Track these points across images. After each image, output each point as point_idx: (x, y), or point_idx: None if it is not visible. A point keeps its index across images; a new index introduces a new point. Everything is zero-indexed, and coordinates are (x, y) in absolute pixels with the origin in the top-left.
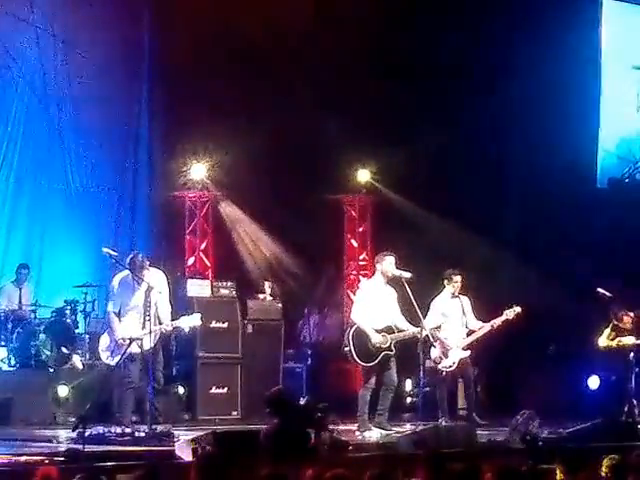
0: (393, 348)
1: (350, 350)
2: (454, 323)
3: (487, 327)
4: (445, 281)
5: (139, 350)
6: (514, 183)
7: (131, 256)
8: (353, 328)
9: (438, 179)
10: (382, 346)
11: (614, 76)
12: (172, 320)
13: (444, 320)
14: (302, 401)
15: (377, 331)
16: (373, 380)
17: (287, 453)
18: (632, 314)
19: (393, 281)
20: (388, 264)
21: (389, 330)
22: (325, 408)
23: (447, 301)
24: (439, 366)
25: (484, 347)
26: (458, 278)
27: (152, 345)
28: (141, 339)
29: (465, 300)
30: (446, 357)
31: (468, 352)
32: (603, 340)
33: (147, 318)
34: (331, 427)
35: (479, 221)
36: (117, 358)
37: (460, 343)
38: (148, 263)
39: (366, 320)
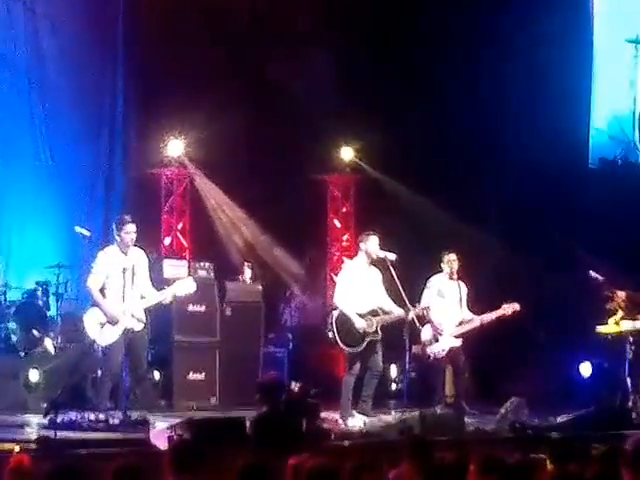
0: (379, 332)
1: (334, 335)
2: (450, 306)
3: (480, 321)
4: (442, 262)
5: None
6: (503, 163)
7: (120, 224)
8: (336, 312)
9: (423, 159)
10: (367, 330)
11: (607, 51)
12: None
13: (440, 300)
14: (293, 387)
15: (361, 315)
16: (357, 366)
17: (276, 442)
18: (622, 293)
19: (378, 262)
20: (372, 244)
21: (374, 313)
22: (316, 395)
23: (445, 282)
24: (428, 350)
25: (472, 334)
26: (453, 256)
27: (142, 327)
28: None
29: (463, 287)
30: (437, 341)
31: (460, 341)
32: (608, 326)
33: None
34: (323, 415)
35: (466, 202)
36: (108, 338)
37: (453, 330)
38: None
39: (349, 304)
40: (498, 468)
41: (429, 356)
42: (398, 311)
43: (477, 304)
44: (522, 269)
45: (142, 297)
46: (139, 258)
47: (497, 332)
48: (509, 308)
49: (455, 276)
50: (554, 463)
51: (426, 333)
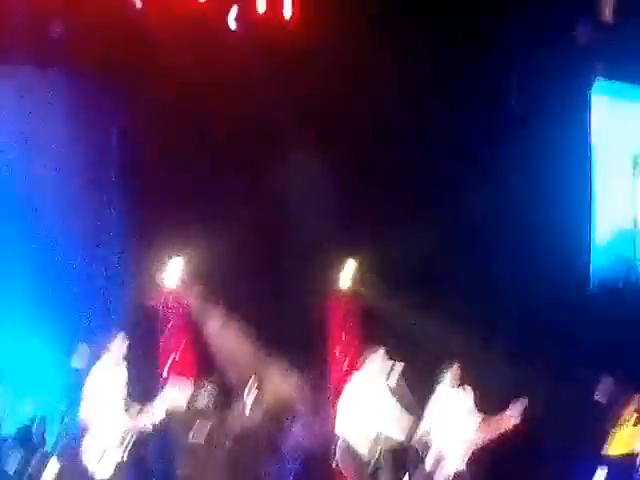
0: (382, 460)
1: (340, 465)
2: (453, 420)
3: (482, 434)
4: (443, 373)
5: None
6: (504, 284)
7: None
8: (340, 441)
9: (426, 277)
10: (372, 458)
11: (606, 166)
12: None
13: (442, 418)
14: None
15: (363, 441)
16: None
17: None
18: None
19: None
20: (378, 361)
21: (378, 440)
22: None
23: (447, 393)
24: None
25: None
26: (456, 369)
27: None
28: None
29: (468, 392)
30: (441, 468)
31: (464, 466)
32: (618, 446)
33: None
34: None
35: (470, 319)
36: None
37: (458, 449)
38: None
39: (351, 431)
40: None
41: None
42: (399, 437)
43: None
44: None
45: None
46: None
47: (505, 444)
48: (513, 417)
49: (456, 385)
50: None
51: (430, 461)
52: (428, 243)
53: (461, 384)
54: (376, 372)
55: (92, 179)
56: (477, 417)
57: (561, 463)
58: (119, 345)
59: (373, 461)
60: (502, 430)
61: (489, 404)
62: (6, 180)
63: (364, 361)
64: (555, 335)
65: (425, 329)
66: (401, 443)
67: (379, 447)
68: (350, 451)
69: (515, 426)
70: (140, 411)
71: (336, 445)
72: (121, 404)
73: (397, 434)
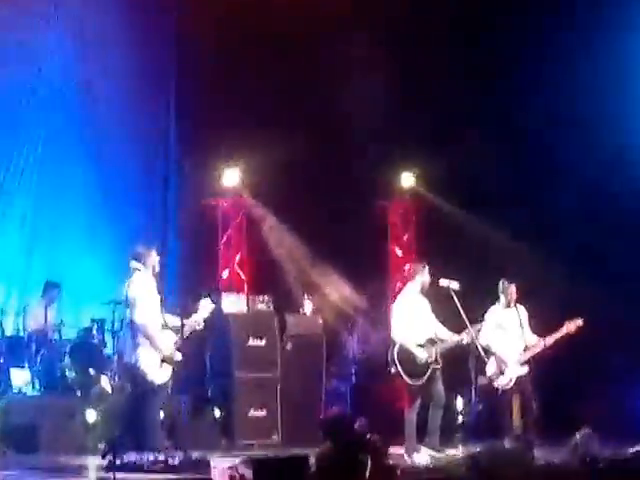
0: (439, 360)
1: (397, 369)
2: (511, 336)
3: (544, 343)
4: (499, 291)
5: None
6: (569, 186)
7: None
8: (396, 347)
9: (486, 183)
10: (429, 360)
11: None
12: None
13: (500, 332)
14: (358, 424)
15: (420, 345)
16: (419, 399)
17: (340, 478)
18: None
19: (440, 290)
20: (427, 276)
21: (432, 342)
22: (382, 432)
23: (501, 312)
24: (495, 384)
25: (539, 360)
26: (513, 288)
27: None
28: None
29: (522, 311)
30: (502, 374)
31: (526, 369)
32: None
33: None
34: (388, 452)
35: (530, 227)
36: (161, 376)
37: (517, 358)
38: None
39: (408, 335)
40: None
41: (497, 390)
42: (455, 337)
43: (548, 327)
44: (593, 296)
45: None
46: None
47: (566, 359)
48: (572, 325)
49: (513, 304)
50: None
51: (491, 367)
52: (493, 155)
53: (518, 302)
54: (425, 287)
55: (150, 86)
56: (532, 333)
57: (622, 380)
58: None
59: (432, 361)
60: (560, 343)
61: (546, 321)
62: (63, 82)
63: (416, 274)
64: (617, 256)
65: (486, 242)
66: (455, 342)
67: (435, 349)
68: (408, 354)
69: (575, 342)
70: (197, 315)
71: (392, 352)
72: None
73: (450, 335)
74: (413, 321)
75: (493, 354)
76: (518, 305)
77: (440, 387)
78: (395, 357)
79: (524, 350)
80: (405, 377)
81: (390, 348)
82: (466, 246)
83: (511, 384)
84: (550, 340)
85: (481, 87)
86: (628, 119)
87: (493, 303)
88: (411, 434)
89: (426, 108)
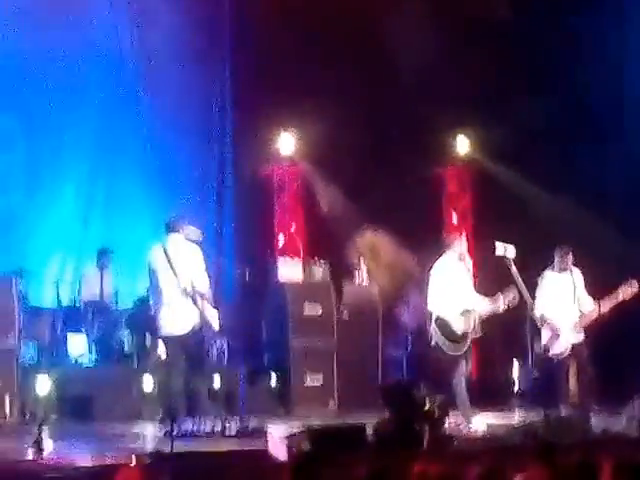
0: (478, 329)
1: (437, 342)
2: (566, 302)
3: (600, 309)
4: (556, 257)
5: None
6: (623, 152)
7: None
8: (434, 319)
9: (543, 149)
10: (467, 330)
11: None
12: None
13: (554, 298)
14: (419, 393)
15: (456, 315)
16: (464, 365)
17: (399, 448)
18: None
19: (499, 259)
20: (463, 245)
21: (468, 312)
22: (442, 401)
23: (556, 277)
24: (550, 352)
25: (596, 326)
26: (569, 255)
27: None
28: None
29: (578, 275)
30: (557, 341)
31: (582, 335)
32: None
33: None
34: (448, 421)
35: (586, 194)
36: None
37: (573, 325)
38: None
39: (444, 307)
40: (635, 469)
41: (552, 358)
42: (489, 306)
43: (602, 292)
44: None
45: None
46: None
47: (622, 323)
48: (627, 289)
49: (568, 267)
50: None
51: (545, 334)
52: (548, 114)
53: (573, 266)
54: (462, 256)
55: (203, 51)
56: (588, 297)
57: None
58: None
59: (470, 330)
60: (616, 308)
61: (602, 286)
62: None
63: (454, 241)
64: None
65: (543, 205)
66: (492, 310)
67: (472, 319)
68: (446, 324)
69: (632, 307)
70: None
71: (432, 325)
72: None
73: (486, 304)
74: (449, 291)
75: (547, 321)
76: (574, 269)
77: (467, 363)
78: (434, 328)
79: (580, 316)
80: (445, 348)
81: (428, 320)
82: (524, 214)
83: (567, 352)
84: (606, 306)
85: (546, 52)
86: None
87: (545, 267)
88: (464, 400)
89: (483, 69)
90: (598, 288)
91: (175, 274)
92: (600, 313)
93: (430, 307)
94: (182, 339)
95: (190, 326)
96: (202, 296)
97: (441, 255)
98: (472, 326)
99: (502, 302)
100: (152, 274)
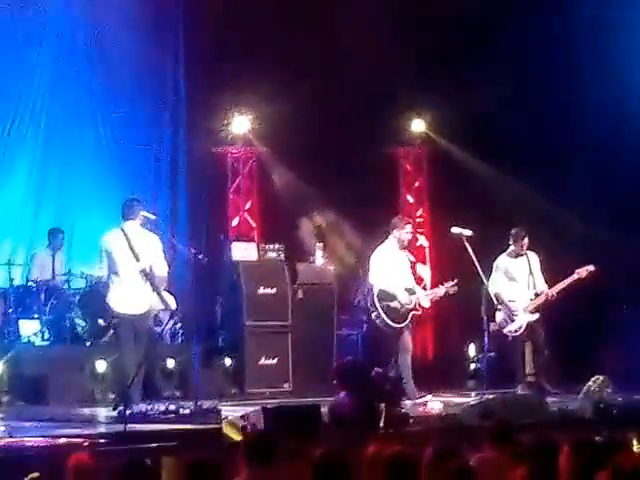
0: (419, 308)
1: (379, 315)
2: (520, 284)
3: (554, 291)
4: (511, 240)
5: None
6: (582, 133)
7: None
8: (375, 292)
9: (499, 130)
10: (409, 306)
11: None
12: None
13: (509, 280)
14: (373, 373)
15: (399, 291)
16: (409, 342)
17: (354, 428)
18: None
19: (455, 239)
20: (405, 233)
21: (410, 291)
22: (397, 380)
23: (511, 260)
24: (504, 330)
25: (552, 307)
26: (523, 234)
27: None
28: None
29: (533, 258)
30: (512, 321)
31: (537, 315)
32: None
33: None
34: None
35: (544, 174)
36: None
37: (527, 305)
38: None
39: (388, 282)
40: (592, 449)
41: (507, 336)
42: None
43: (559, 274)
44: (606, 244)
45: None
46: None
47: (579, 306)
48: (583, 271)
49: (523, 251)
50: None
51: (500, 314)
52: (500, 96)
53: (529, 250)
54: (402, 243)
55: (157, 27)
56: (543, 280)
57: (628, 325)
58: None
59: (411, 307)
60: (571, 289)
61: (559, 267)
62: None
63: (393, 229)
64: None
65: (497, 185)
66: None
67: (413, 296)
68: (388, 298)
69: (590, 289)
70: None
71: (372, 296)
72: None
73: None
74: (390, 272)
75: (502, 302)
76: (529, 252)
77: (409, 337)
78: (376, 301)
79: (534, 297)
80: (387, 319)
81: (369, 295)
82: (480, 194)
83: (521, 330)
84: (560, 286)
85: (497, 26)
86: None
87: (504, 251)
88: (409, 378)
89: (435, 52)
90: (555, 269)
91: (135, 256)
92: (555, 294)
93: (372, 282)
94: (137, 319)
95: (147, 307)
96: (160, 279)
97: (384, 241)
98: (413, 304)
99: (443, 289)
100: (109, 256)
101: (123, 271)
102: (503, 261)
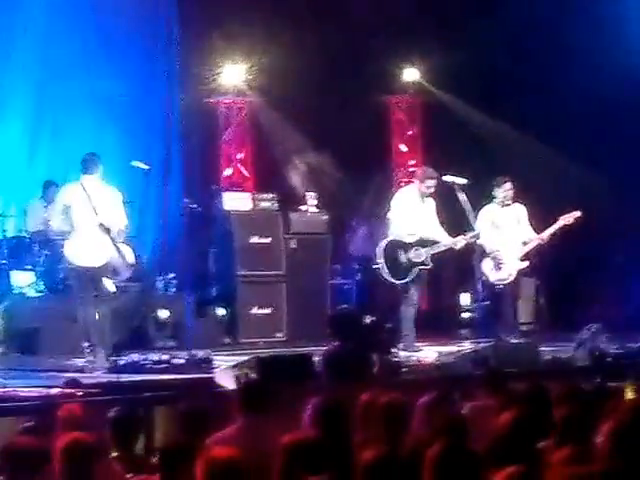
0: (429, 262)
1: (381, 266)
2: (506, 234)
3: (541, 238)
4: (494, 188)
5: None
6: (577, 81)
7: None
8: (385, 242)
9: (493, 78)
10: (415, 260)
11: None
12: None
13: (495, 231)
14: (367, 321)
15: (410, 244)
16: (415, 295)
17: (347, 377)
18: None
19: (446, 187)
20: (427, 184)
21: (423, 243)
22: (391, 329)
23: (497, 211)
24: (491, 279)
25: (546, 256)
26: (508, 185)
27: None
28: None
29: (520, 209)
30: (499, 269)
31: (526, 263)
32: None
33: None
34: (395, 350)
35: (539, 123)
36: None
37: (515, 253)
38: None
39: (402, 231)
40: (583, 396)
41: (496, 285)
42: (447, 240)
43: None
44: (600, 192)
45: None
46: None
47: (572, 255)
48: (569, 217)
49: (510, 202)
50: (636, 392)
51: (487, 264)
52: (496, 45)
53: (517, 201)
54: (424, 193)
55: None
56: (530, 229)
57: (622, 273)
58: None
59: (419, 261)
60: (558, 236)
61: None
62: None
63: (416, 179)
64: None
65: (491, 134)
66: (447, 245)
67: (425, 249)
68: (395, 251)
69: (582, 237)
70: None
71: (379, 248)
72: None
73: (444, 238)
74: (407, 219)
75: (489, 250)
76: (517, 204)
77: (417, 292)
78: (382, 252)
79: (521, 246)
80: (386, 275)
81: (379, 243)
82: (473, 143)
83: (511, 278)
84: (547, 234)
85: None
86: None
87: (485, 203)
88: (410, 331)
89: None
90: (553, 216)
91: (94, 210)
92: (542, 241)
93: (393, 230)
94: (95, 271)
95: (105, 260)
96: (119, 232)
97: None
98: (422, 258)
99: (461, 241)
100: (67, 210)
101: (82, 224)
102: (487, 211)
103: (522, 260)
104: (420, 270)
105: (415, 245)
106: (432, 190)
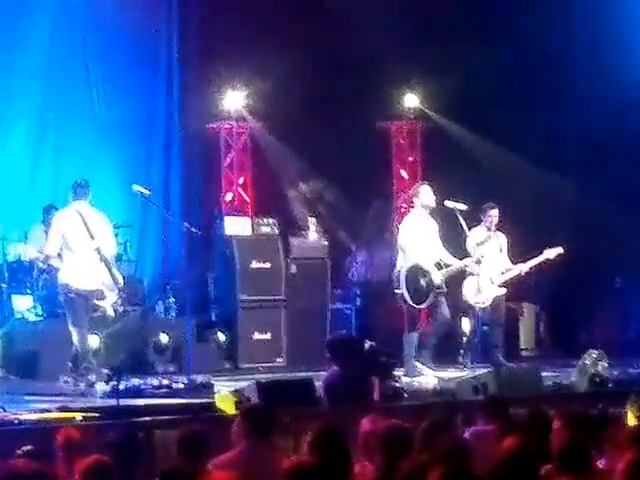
0: (444, 286)
1: (403, 292)
2: (489, 259)
3: (521, 269)
4: (481, 214)
5: None
6: (576, 107)
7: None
8: (405, 268)
9: (494, 104)
10: (433, 284)
11: None
12: None
13: (479, 254)
14: (366, 346)
15: (428, 269)
16: (420, 321)
17: (348, 402)
18: None
19: (446, 213)
20: (425, 195)
21: (438, 266)
22: (390, 354)
23: (483, 234)
24: (470, 301)
25: (545, 282)
26: (494, 212)
27: None
28: None
29: (502, 238)
30: (479, 292)
31: (503, 290)
32: None
33: None
34: (396, 374)
35: (537, 149)
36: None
37: (495, 279)
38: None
39: (424, 257)
40: (585, 423)
41: (473, 307)
42: (458, 263)
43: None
44: (598, 218)
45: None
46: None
47: (572, 281)
48: (552, 252)
49: (493, 228)
50: (638, 418)
51: (469, 285)
52: (496, 70)
53: (500, 229)
54: (428, 207)
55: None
56: (509, 260)
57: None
58: None
59: (437, 286)
60: (538, 269)
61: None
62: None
63: (414, 197)
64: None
65: (491, 160)
66: (459, 268)
67: (441, 272)
68: (416, 277)
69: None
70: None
71: (401, 273)
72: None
73: (454, 261)
74: (420, 243)
75: (471, 273)
76: (499, 233)
77: (445, 310)
78: (403, 278)
79: (501, 274)
80: (409, 300)
81: (397, 268)
82: (471, 167)
83: (487, 303)
84: (530, 264)
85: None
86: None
87: (473, 226)
88: (411, 355)
89: (431, 27)
90: (546, 242)
91: (90, 235)
92: (521, 273)
93: (408, 254)
94: (89, 294)
95: (99, 283)
96: (110, 257)
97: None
98: (439, 281)
99: (470, 263)
100: (63, 235)
101: (78, 249)
102: (473, 236)
103: (500, 287)
104: (437, 294)
105: (432, 269)
106: (433, 200)
